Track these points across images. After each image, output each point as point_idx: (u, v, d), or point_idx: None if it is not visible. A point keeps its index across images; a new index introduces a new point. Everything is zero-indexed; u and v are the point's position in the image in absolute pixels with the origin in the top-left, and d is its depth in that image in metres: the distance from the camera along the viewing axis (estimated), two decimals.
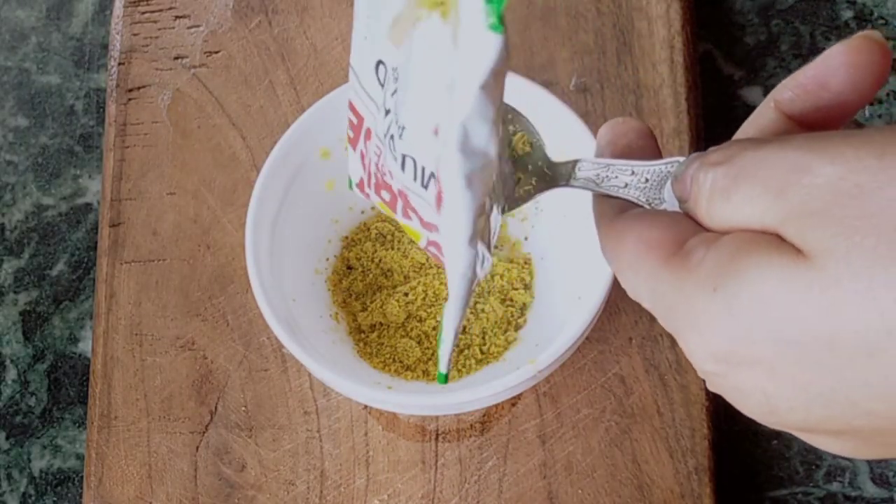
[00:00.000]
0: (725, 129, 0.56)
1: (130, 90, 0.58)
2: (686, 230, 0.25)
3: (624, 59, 0.54)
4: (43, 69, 0.63)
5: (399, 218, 0.29)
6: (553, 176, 0.32)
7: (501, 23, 0.22)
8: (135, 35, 0.59)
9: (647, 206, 0.29)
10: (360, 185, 0.31)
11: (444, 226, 0.27)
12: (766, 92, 0.57)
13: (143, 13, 0.59)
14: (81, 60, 0.63)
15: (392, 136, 0.27)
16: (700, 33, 0.58)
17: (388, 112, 0.27)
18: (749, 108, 0.57)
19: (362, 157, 0.30)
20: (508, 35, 0.23)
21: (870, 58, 0.25)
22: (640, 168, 0.29)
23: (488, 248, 0.28)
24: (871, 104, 0.56)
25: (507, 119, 0.32)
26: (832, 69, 0.26)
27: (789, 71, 0.57)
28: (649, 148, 0.30)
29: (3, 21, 0.64)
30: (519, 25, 0.56)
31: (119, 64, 0.58)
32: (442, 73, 0.24)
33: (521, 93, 0.47)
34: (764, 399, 0.24)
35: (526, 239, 0.51)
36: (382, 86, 0.26)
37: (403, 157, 0.27)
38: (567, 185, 0.31)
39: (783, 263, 0.22)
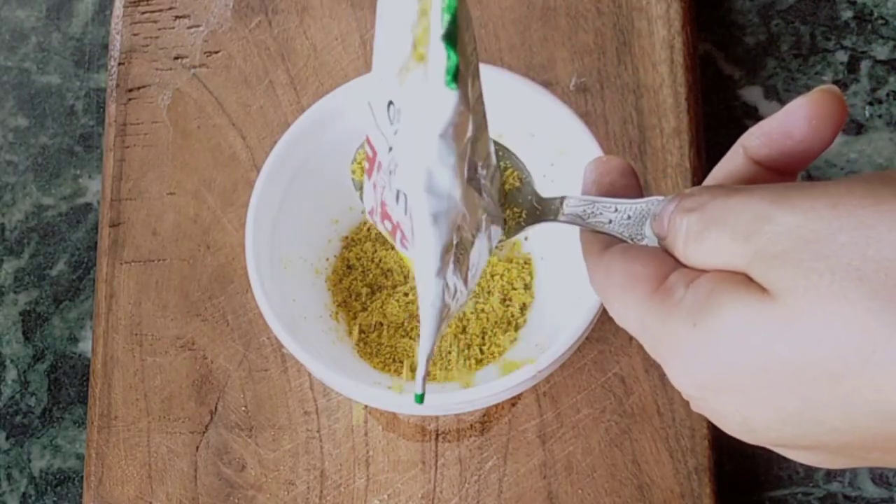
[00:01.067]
0: (725, 129, 0.57)
1: (130, 90, 0.58)
2: (667, 266, 0.28)
3: (624, 59, 0.54)
4: (43, 69, 0.63)
5: (398, 247, 0.32)
6: (542, 211, 0.34)
7: (454, 80, 0.25)
8: (135, 35, 0.59)
9: (630, 241, 0.31)
10: (371, 213, 0.34)
11: (415, 260, 0.29)
12: (766, 92, 0.57)
13: (143, 13, 0.59)
14: (81, 60, 0.63)
15: (391, 172, 0.30)
16: (700, 33, 0.58)
17: (390, 149, 0.29)
18: (749, 108, 0.57)
19: (374, 187, 0.32)
20: (466, 87, 0.26)
21: (828, 109, 0.28)
22: (622, 206, 0.31)
23: (465, 282, 0.31)
24: (871, 104, 0.56)
25: (498, 155, 0.34)
26: (795, 120, 0.29)
27: (789, 71, 0.57)
28: (631, 186, 0.33)
29: (3, 21, 0.64)
30: (519, 25, 0.56)
31: (119, 64, 0.58)
32: (418, 120, 0.27)
33: (522, 93, 0.47)
34: (742, 420, 0.26)
35: (526, 239, 0.51)
36: (392, 124, 0.29)
37: (398, 191, 0.29)
38: (555, 219, 0.33)
39: (751, 301, 0.24)
